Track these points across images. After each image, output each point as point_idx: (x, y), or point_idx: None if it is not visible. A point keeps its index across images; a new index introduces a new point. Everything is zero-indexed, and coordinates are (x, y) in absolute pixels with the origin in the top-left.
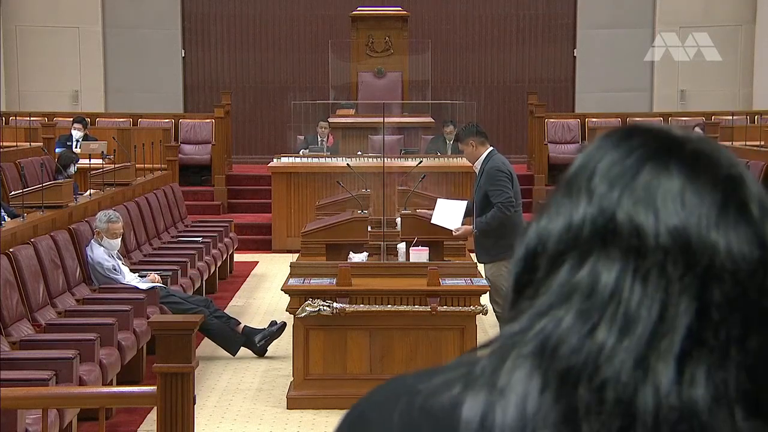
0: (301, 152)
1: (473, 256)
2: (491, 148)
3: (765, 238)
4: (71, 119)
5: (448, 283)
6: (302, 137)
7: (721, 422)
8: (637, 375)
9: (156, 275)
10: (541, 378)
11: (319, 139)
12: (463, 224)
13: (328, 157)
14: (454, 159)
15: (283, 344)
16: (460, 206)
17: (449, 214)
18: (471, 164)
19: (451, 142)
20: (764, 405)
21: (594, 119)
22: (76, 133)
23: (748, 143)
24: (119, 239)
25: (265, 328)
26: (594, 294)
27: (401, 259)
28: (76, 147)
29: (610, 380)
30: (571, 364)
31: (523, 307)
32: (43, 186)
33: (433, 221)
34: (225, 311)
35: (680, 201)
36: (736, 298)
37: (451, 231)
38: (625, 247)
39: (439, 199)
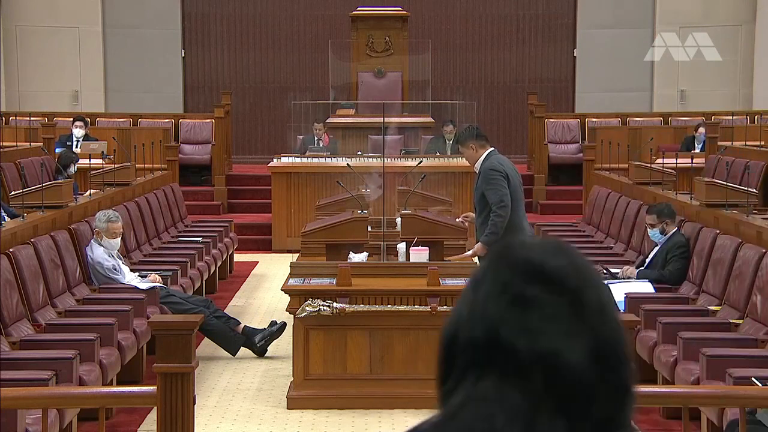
0: (306, 152)
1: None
2: (491, 149)
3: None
4: (71, 119)
5: (448, 283)
6: (301, 137)
7: None
8: None
9: (157, 275)
10: None
11: (316, 139)
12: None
13: (328, 157)
14: (455, 159)
15: (283, 344)
16: None
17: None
18: (471, 166)
19: (451, 142)
20: None
21: (594, 119)
22: (78, 132)
23: (748, 143)
24: (119, 239)
25: (265, 328)
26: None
27: (401, 259)
28: (76, 146)
29: None
30: None
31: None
32: (43, 186)
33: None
34: (225, 311)
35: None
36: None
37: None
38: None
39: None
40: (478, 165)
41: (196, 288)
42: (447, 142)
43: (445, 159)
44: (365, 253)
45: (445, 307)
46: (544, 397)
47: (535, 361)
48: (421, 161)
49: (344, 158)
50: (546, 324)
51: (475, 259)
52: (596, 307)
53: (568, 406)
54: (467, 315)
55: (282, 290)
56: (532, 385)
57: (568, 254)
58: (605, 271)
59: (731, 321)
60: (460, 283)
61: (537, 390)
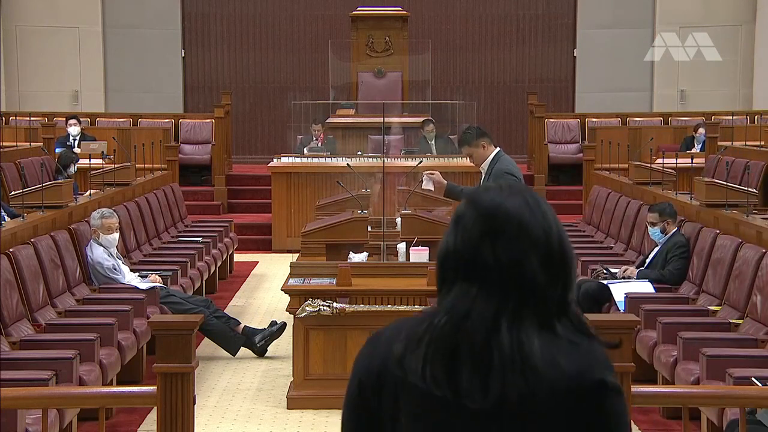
0: (305, 150)
1: None
2: (498, 148)
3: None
4: (65, 119)
5: None
6: (300, 137)
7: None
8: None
9: (157, 276)
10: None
11: (314, 140)
12: None
13: (328, 157)
14: (453, 159)
15: (283, 344)
16: None
17: None
18: (476, 166)
19: (433, 142)
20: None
21: (594, 119)
22: (73, 129)
23: (748, 143)
24: (116, 234)
25: (265, 328)
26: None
27: (401, 259)
28: (76, 145)
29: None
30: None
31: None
32: (43, 186)
33: None
34: (225, 311)
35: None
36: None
37: None
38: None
39: None
40: (485, 165)
41: (196, 288)
42: (429, 142)
43: (442, 159)
44: (365, 253)
45: None
46: (511, 293)
47: (504, 270)
48: (421, 161)
49: (344, 158)
50: (509, 246)
51: None
52: (543, 231)
53: (526, 297)
54: (452, 244)
55: (282, 290)
56: (502, 285)
57: (522, 194)
58: (605, 271)
59: (731, 321)
60: None
61: (506, 288)
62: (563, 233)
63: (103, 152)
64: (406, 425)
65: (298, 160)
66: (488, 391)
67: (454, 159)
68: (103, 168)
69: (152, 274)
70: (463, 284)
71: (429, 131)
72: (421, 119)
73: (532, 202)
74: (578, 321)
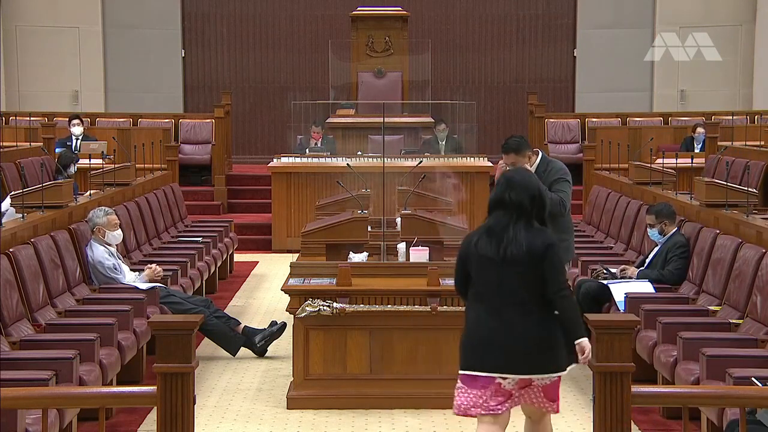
0: (307, 150)
1: None
2: (541, 153)
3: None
4: (67, 119)
5: (448, 283)
6: (300, 137)
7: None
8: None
9: (156, 266)
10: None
11: (314, 143)
12: None
13: (328, 157)
14: (456, 159)
15: (283, 344)
16: None
17: None
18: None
19: (444, 142)
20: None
21: (594, 119)
22: (76, 129)
23: (748, 143)
24: (120, 230)
25: (265, 329)
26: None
27: (401, 259)
28: (76, 145)
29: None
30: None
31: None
32: (43, 186)
33: None
34: (225, 311)
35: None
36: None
37: None
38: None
39: None
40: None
41: (196, 288)
42: (440, 141)
43: (444, 159)
44: (365, 253)
45: (445, 307)
46: (518, 215)
47: (514, 204)
48: (421, 161)
49: (344, 158)
50: (516, 193)
51: None
52: (531, 187)
53: (521, 214)
54: (493, 195)
55: (282, 290)
56: (511, 210)
57: (524, 174)
58: (605, 271)
59: (731, 321)
60: None
61: (515, 212)
62: (542, 188)
63: (103, 152)
64: (474, 270)
65: (298, 160)
66: (501, 252)
67: (461, 159)
68: (103, 168)
69: (149, 267)
70: (497, 211)
71: (441, 130)
72: (421, 119)
73: (526, 174)
74: (542, 222)
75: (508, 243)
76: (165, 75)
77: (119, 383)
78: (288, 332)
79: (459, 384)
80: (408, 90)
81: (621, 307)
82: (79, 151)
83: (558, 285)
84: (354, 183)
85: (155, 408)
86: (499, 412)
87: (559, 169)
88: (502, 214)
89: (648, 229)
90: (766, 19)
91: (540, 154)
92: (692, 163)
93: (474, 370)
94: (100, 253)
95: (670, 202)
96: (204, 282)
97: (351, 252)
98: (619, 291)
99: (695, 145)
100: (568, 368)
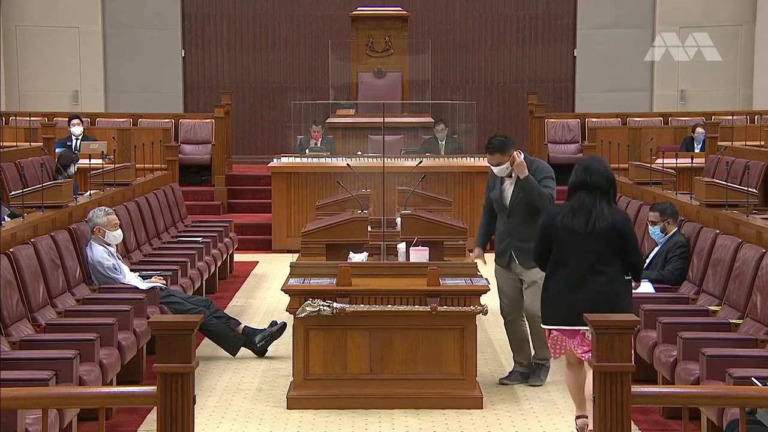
0: (307, 151)
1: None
2: (523, 152)
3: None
4: (67, 119)
5: (448, 283)
6: (300, 137)
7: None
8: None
9: (160, 277)
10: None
11: (314, 143)
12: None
13: (328, 157)
14: (456, 159)
15: (283, 344)
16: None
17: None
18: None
19: (444, 142)
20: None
21: (594, 119)
22: (76, 129)
23: (748, 143)
24: (120, 230)
25: (265, 329)
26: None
27: (401, 259)
28: (76, 145)
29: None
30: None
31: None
32: (43, 186)
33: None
34: (225, 311)
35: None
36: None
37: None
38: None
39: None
40: (503, 169)
41: (196, 288)
42: (440, 141)
43: (444, 159)
44: (365, 253)
45: (445, 307)
46: (599, 195)
47: (595, 185)
48: (421, 161)
49: (344, 158)
50: (596, 177)
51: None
52: (605, 171)
53: (602, 195)
54: (573, 178)
55: (282, 290)
56: (594, 192)
57: (599, 161)
58: None
59: (731, 321)
60: (460, 283)
61: (596, 193)
62: (611, 172)
63: (103, 152)
64: (559, 242)
65: (298, 160)
66: (588, 226)
67: (461, 159)
68: (103, 168)
69: (155, 275)
70: (578, 193)
71: (440, 130)
72: (420, 119)
73: (601, 161)
74: (615, 202)
75: (597, 218)
76: (165, 75)
77: (119, 383)
78: (288, 332)
79: (554, 334)
80: (408, 90)
81: None
82: (79, 151)
83: (636, 250)
84: (354, 183)
85: (155, 408)
86: (584, 358)
87: (544, 167)
88: (586, 195)
89: (650, 227)
90: (766, 19)
91: (522, 153)
92: (692, 163)
93: (563, 325)
94: (99, 253)
95: (671, 202)
96: (204, 282)
97: (351, 252)
98: None
99: (695, 145)
100: None
